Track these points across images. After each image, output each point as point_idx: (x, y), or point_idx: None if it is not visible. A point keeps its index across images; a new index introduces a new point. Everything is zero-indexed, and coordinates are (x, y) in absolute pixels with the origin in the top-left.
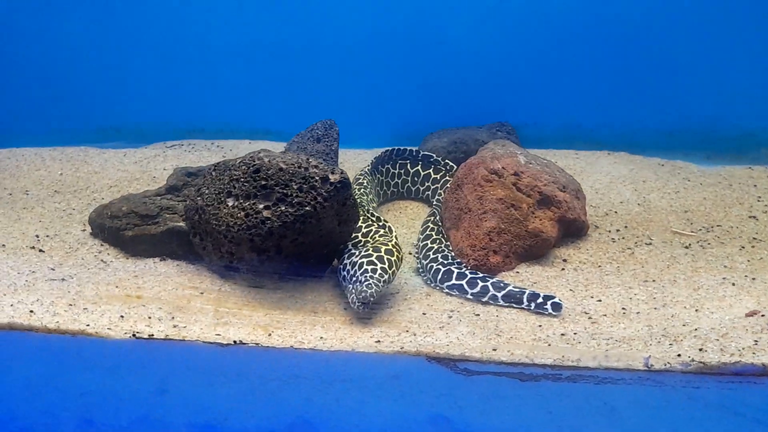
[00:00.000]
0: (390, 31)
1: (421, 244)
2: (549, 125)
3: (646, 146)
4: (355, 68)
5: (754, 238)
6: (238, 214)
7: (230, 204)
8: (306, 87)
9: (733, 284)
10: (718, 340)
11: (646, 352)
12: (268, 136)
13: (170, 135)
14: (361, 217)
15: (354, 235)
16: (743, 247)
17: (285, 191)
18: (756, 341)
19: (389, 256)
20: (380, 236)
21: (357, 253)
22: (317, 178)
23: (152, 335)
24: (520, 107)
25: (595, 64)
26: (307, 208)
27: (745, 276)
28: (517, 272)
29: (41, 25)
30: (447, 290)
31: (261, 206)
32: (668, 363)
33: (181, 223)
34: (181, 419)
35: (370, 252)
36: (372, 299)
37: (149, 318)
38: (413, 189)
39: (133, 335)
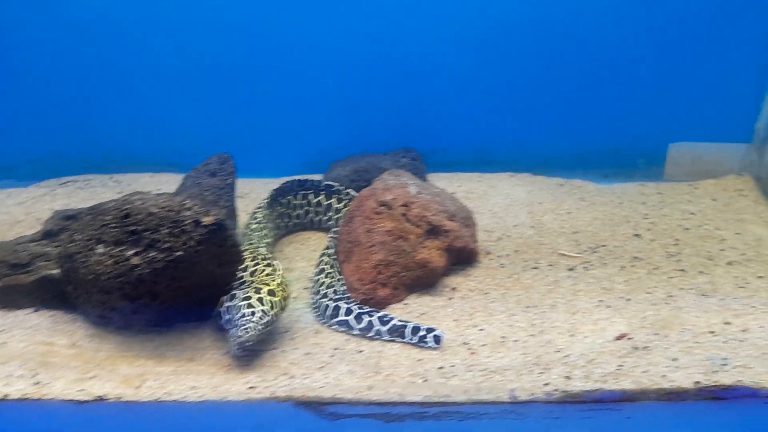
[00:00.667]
0: (297, 59)
1: (315, 279)
2: (456, 150)
3: (549, 167)
4: (260, 96)
5: (635, 257)
6: (107, 262)
7: (99, 251)
8: (210, 116)
9: (608, 306)
10: (584, 366)
11: (516, 383)
12: (170, 169)
13: (66, 170)
14: (250, 256)
15: (240, 275)
16: (623, 267)
17: (155, 236)
18: (620, 366)
19: (271, 297)
20: (266, 275)
21: (238, 295)
22: (188, 221)
23: (7, 395)
24: (428, 133)
25: (498, 88)
26: (179, 253)
27: (621, 297)
28: (406, 304)
29: None
30: (335, 327)
31: (130, 253)
32: (533, 393)
33: (55, 271)
34: None
35: (250, 294)
36: (249, 344)
37: (8, 377)
38: (315, 219)
39: None
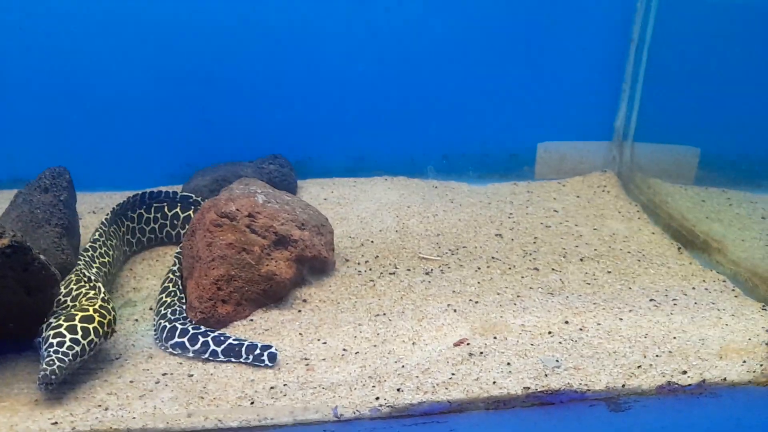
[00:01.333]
0: (158, 62)
1: (158, 298)
2: (330, 156)
3: (425, 169)
4: (117, 102)
5: (493, 257)
6: None
7: None
8: (57, 126)
9: (455, 311)
10: (418, 377)
11: (347, 399)
12: (15, 185)
13: None
14: (75, 278)
15: (63, 299)
16: (479, 268)
17: None
18: (452, 374)
19: (86, 324)
20: (87, 299)
21: (51, 323)
22: None
23: None
24: (302, 140)
25: (372, 92)
26: None
27: (470, 300)
28: (252, 320)
29: None
30: (170, 349)
31: None
32: (357, 410)
33: None
34: None
35: (60, 322)
36: (54, 378)
37: None
38: (173, 233)
39: None
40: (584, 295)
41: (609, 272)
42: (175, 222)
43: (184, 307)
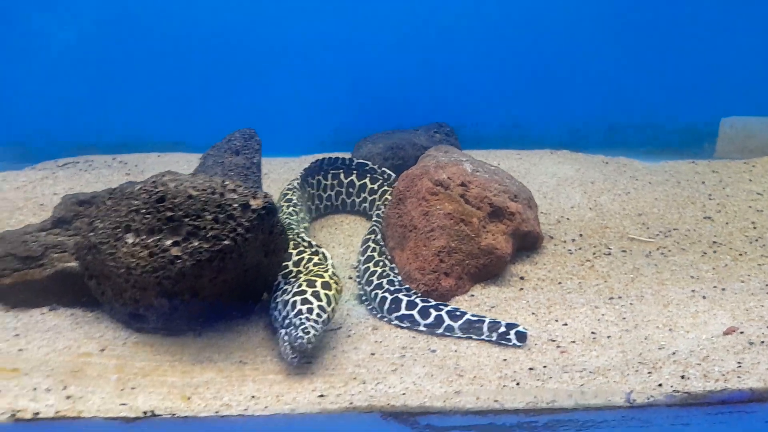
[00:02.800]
0: (315, 29)
1: (363, 267)
2: (487, 124)
3: (587, 143)
4: (277, 70)
5: (714, 242)
6: (141, 254)
7: (130, 241)
8: (222, 91)
9: (704, 297)
10: (699, 364)
11: (625, 385)
12: (179, 148)
13: (63, 151)
14: (291, 243)
15: (284, 264)
16: (705, 253)
17: (197, 223)
18: (739, 363)
19: (326, 291)
20: (314, 265)
21: (289, 289)
22: (236, 205)
23: (38, 413)
24: (457, 107)
25: (532, 60)
26: (226, 242)
27: (714, 287)
28: (472, 295)
29: None
30: (396, 322)
31: (168, 243)
32: (651, 396)
33: (73, 264)
34: None
35: (303, 288)
36: (310, 346)
37: (34, 390)
38: (348, 201)
39: (13, 416)
40: None
41: None
42: (351, 190)
43: (399, 277)
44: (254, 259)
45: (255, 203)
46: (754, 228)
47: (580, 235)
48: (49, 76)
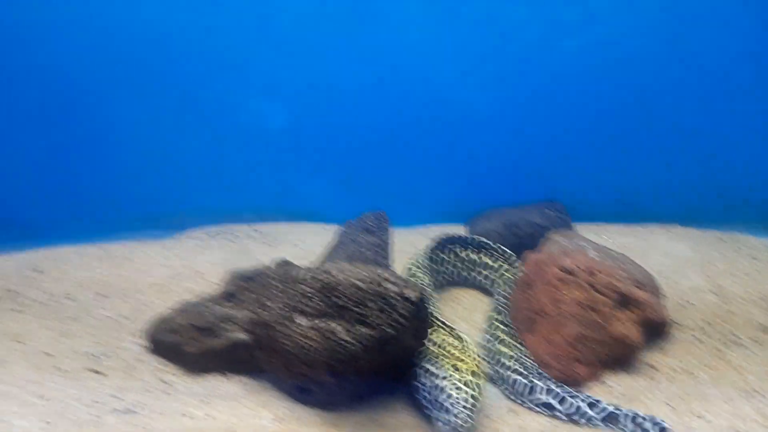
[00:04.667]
0: (432, 106)
1: (492, 348)
2: (597, 198)
3: (699, 216)
4: (394, 144)
5: None
6: (312, 335)
7: (302, 323)
8: (342, 163)
9: None
10: None
11: None
12: (308, 218)
13: (208, 219)
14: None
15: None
16: None
17: (363, 311)
18: None
19: (476, 379)
20: (455, 349)
21: (436, 372)
22: (395, 296)
23: None
24: (567, 180)
25: (641, 132)
26: (389, 330)
27: None
28: (604, 383)
29: (75, 118)
30: (533, 406)
31: (338, 327)
32: None
33: (242, 335)
34: None
35: (451, 373)
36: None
37: None
38: (467, 276)
39: None
40: None
41: None
42: (470, 266)
43: (531, 360)
44: (407, 344)
45: (412, 295)
46: None
47: (708, 323)
48: (194, 156)
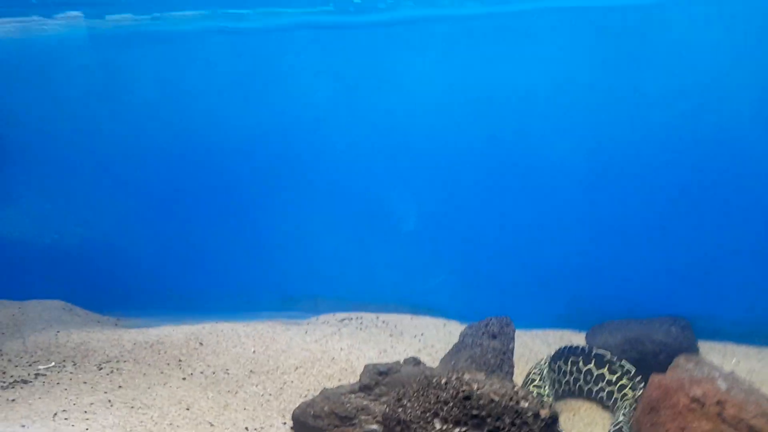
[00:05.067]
0: (556, 210)
1: None
2: (723, 315)
3: None
4: (517, 244)
5: None
6: None
7: (438, 427)
8: (465, 261)
9: None
10: None
11: None
12: (430, 312)
13: (340, 306)
14: None
15: None
16: None
17: (497, 424)
18: None
19: None
20: None
21: None
22: (530, 413)
23: None
24: (692, 295)
25: None
26: None
27: None
28: None
29: (233, 207)
30: None
31: None
32: None
33: (375, 426)
34: None
35: None
36: None
37: None
38: (585, 389)
39: None
40: None
41: None
42: (588, 378)
43: None
44: None
45: (543, 413)
46: None
47: None
48: (336, 240)
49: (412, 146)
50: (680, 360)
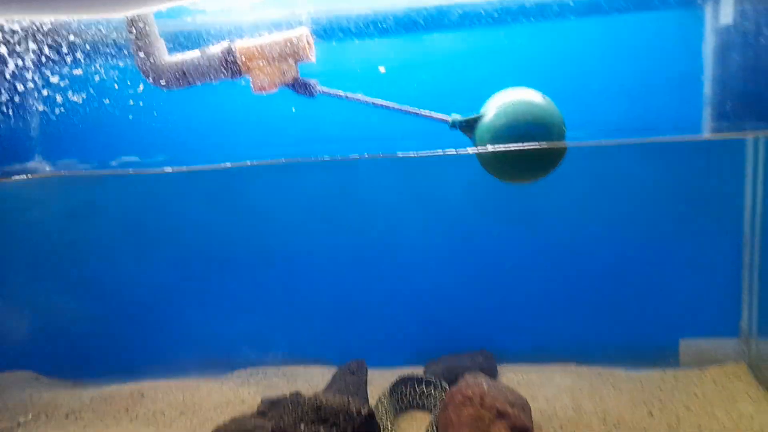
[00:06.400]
0: (401, 280)
1: None
2: (517, 347)
3: (591, 357)
4: (375, 302)
5: (645, 429)
6: None
7: (302, 428)
8: (340, 318)
9: None
10: None
11: None
12: (317, 362)
13: (250, 363)
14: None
15: None
16: None
17: (335, 421)
18: None
19: None
20: None
21: None
22: (354, 412)
23: None
24: (493, 333)
25: (551, 291)
26: (348, 430)
27: None
28: None
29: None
30: None
31: (322, 429)
32: None
33: None
34: None
35: None
36: None
37: None
38: (420, 402)
39: None
40: None
41: None
42: (422, 395)
43: None
44: None
45: (363, 411)
46: (677, 422)
47: (560, 426)
48: (241, 315)
49: None
50: (467, 375)
